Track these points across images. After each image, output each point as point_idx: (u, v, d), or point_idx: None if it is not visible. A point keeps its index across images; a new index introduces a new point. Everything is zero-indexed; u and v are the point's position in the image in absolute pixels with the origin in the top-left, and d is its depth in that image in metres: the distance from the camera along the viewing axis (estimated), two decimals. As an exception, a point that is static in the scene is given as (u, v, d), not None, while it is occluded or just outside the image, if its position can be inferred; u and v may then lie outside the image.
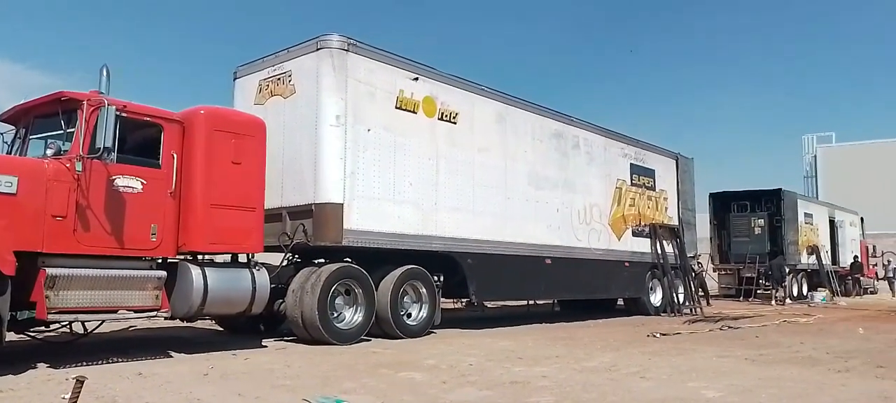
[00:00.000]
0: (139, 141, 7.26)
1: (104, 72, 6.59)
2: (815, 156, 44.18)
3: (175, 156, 7.28)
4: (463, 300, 12.15)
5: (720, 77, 79.65)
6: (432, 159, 9.73)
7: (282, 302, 8.48)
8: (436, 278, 9.68)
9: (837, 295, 24.13)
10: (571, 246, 12.41)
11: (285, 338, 8.72)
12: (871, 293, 27.33)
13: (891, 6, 67.71)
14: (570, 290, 13.03)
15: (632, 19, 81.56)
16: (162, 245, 7.16)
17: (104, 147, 6.31)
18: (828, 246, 26.00)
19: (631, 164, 14.53)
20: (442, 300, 10.06)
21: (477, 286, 10.30)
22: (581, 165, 12.96)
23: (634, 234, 14.37)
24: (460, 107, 10.28)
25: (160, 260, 7.28)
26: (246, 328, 9.10)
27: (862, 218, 30.31)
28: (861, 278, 26.39)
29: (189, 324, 8.82)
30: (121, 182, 6.83)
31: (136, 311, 6.87)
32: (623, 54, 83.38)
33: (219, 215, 7.49)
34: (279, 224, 8.69)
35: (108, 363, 6.55)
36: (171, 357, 7.17)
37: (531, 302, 14.49)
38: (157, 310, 6.97)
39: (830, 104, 72.03)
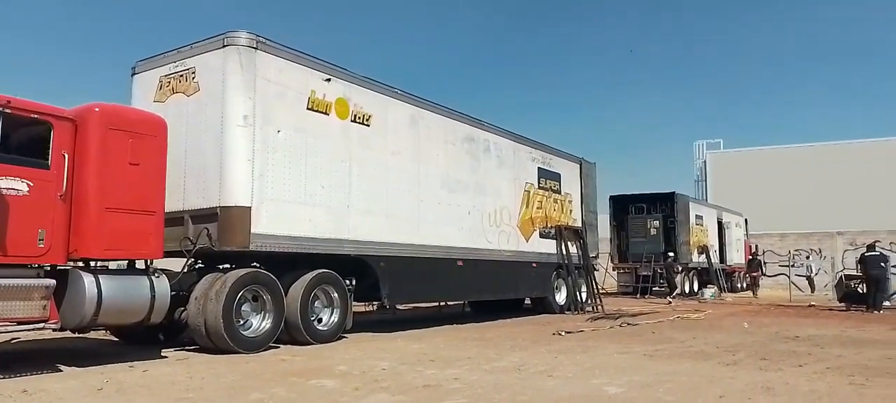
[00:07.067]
0: (25, 139, 6.71)
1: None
2: (705, 162, 47.14)
3: (66, 156, 6.79)
4: (375, 303, 12.08)
5: (620, 86, 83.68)
6: (345, 161, 9.62)
7: (183, 311, 8.10)
8: (348, 282, 9.56)
9: (725, 291, 25.94)
10: (482, 248, 12.64)
11: (187, 348, 8.33)
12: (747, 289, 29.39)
13: (772, 27, 73.56)
14: (481, 291, 13.27)
15: (538, 27, 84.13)
16: (50, 251, 6.65)
17: (-17, 145, 5.81)
18: (716, 246, 27.89)
19: (538, 168, 14.97)
20: (354, 303, 9.96)
21: (390, 289, 10.28)
22: (492, 169, 13.22)
23: (541, 236, 14.82)
24: (373, 110, 10.22)
25: (49, 268, 6.76)
26: (144, 338, 8.62)
27: (746, 220, 32.76)
28: (759, 276, 27.16)
29: (81, 336, 8.26)
30: (3, 184, 6.28)
31: (20, 323, 6.35)
32: (529, 61, 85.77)
33: (115, 219, 7.04)
34: (181, 228, 8.30)
35: (-12, 380, 6.02)
36: (61, 371, 6.68)
37: (443, 303, 14.62)
38: (44, 322, 6.47)
39: (719, 113, 77.42)
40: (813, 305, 18.78)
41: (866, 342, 9.79)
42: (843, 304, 17.25)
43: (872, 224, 31.70)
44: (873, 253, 16.83)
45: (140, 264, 7.56)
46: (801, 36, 74.71)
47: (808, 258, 29.94)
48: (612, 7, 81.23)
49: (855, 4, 70.35)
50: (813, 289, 26.07)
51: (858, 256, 17.72)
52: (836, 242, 26.56)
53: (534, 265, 14.48)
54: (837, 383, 6.22)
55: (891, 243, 30.22)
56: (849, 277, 17.99)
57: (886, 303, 16.84)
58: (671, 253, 23.04)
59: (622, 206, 25.59)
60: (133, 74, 9.45)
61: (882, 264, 16.70)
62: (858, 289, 17.15)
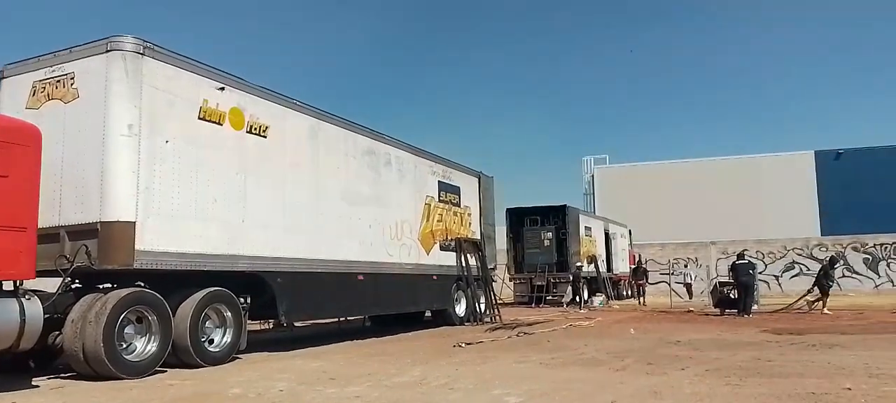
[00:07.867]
0: None
1: None
2: (593, 175, 49.53)
3: (-82, 166, 6.10)
4: (271, 321, 11.69)
5: (514, 102, 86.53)
6: (240, 174, 9.25)
7: (58, 335, 7.45)
8: (242, 300, 9.17)
9: (612, 298, 27.30)
10: (383, 262, 12.57)
11: (62, 376, 7.66)
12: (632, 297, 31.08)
13: (647, 50, 78.76)
14: (382, 305, 13.18)
15: (432, 41, 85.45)
16: None
17: None
18: (604, 256, 29.34)
19: (439, 182, 15.13)
20: (249, 322, 9.57)
21: (287, 306, 9.97)
22: (393, 182, 13.20)
23: (441, 248, 14.96)
24: (271, 121, 9.91)
25: None
26: (12, 366, 7.82)
27: (630, 231, 34.72)
28: (644, 284, 28.79)
29: (-66, 366, 7.39)
30: None
31: None
32: (426, 75, 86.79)
33: (-22, 236, 6.40)
34: (56, 245, 7.64)
35: None
36: None
37: (343, 318, 14.39)
38: None
39: (606, 129, 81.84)
40: (691, 311, 20.12)
41: (739, 344, 10.62)
42: (717, 309, 18.60)
43: (741, 234, 34.60)
44: (743, 262, 18.34)
45: (8, 285, 6.89)
46: (680, 59, 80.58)
47: (685, 266, 32.16)
48: (502, 25, 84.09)
49: (738, 29, 76.83)
50: (691, 296, 27.94)
51: (730, 264, 19.18)
52: (710, 251, 28.57)
53: (434, 278, 14.58)
54: (716, 384, 6.70)
55: (757, 251, 33.21)
56: (722, 284, 19.35)
57: (755, 307, 18.36)
58: (579, 263, 23.91)
59: (518, 219, 26.38)
60: (1, 79, 8.65)
61: (751, 271, 18.25)
62: (731, 295, 18.55)
